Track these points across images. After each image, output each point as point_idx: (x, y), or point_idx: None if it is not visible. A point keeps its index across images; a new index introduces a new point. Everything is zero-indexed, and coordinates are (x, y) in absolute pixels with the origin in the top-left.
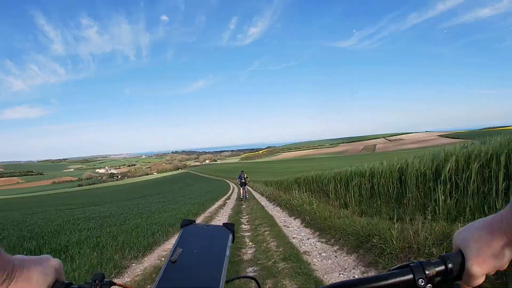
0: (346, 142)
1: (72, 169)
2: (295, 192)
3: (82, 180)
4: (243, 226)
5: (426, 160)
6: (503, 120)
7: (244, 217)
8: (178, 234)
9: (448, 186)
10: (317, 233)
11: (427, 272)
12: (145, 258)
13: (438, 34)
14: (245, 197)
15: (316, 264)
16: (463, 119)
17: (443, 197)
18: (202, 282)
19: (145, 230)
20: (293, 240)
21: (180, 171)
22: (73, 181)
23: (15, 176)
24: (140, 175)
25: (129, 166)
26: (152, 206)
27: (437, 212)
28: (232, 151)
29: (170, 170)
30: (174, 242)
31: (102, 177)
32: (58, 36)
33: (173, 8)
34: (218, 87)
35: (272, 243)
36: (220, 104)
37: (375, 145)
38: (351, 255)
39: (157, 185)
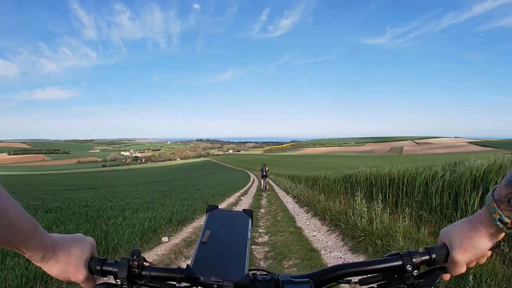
0: (372, 142)
1: (98, 150)
2: (355, 201)
3: (106, 161)
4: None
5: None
6: None
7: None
8: (205, 217)
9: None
10: None
11: (414, 260)
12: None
13: (474, 37)
14: (266, 187)
15: None
16: (495, 128)
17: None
18: (231, 261)
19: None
20: None
21: (202, 159)
22: (98, 161)
23: (41, 153)
24: (164, 160)
25: (153, 150)
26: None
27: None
28: (256, 142)
29: (193, 157)
30: (202, 224)
31: (126, 160)
32: (91, 21)
33: None
34: (246, 79)
35: None
36: (247, 96)
37: (402, 147)
38: None
39: (179, 171)
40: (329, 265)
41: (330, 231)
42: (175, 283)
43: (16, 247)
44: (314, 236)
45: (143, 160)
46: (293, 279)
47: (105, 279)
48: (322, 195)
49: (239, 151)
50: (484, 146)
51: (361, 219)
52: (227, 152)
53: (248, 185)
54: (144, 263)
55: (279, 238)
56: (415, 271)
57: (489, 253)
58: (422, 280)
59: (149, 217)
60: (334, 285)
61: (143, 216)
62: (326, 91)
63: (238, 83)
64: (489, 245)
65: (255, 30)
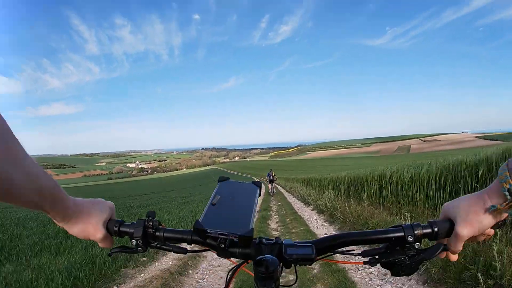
0: (379, 142)
1: (103, 163)
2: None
3: (112, 173)
4: None
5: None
6: None
7: None
8: (216, 186)
9: None
10: None
11: (415, 232)
12: None
13: (474, 32)
14: (273, 191)
15: None
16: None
17: None
18: (237, 221)
19: None
20: None
21: (208, 167)
22: (104, 174)
23: (48, 168)
24: (170, 170)
25: (159, 161)
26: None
27: None
28: (262, 148)
29: (199, 166)
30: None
31: (132, 172)
32: (93, 36)
33: (205, 8)
34: (248, 86)
35: None
36: (251, 103)
37: (410, 145)
38: None
39: (183, 181)
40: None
41: None
42: (186, 246)
43: (42, 208)
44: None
45: (149, 171)
46: (296, 243)
47: None
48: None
49: (245, 158)
50: (492, 140)
51: None
52: (233, 160)
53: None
54: (159, 225)
55: None
56: (417, 243)
57: (492, 232)
58: (422, 253)
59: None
60: (335, 253)
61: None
62: (330, 94)
63: (241, 90)
64: (493, 221)
65: (255, 38)
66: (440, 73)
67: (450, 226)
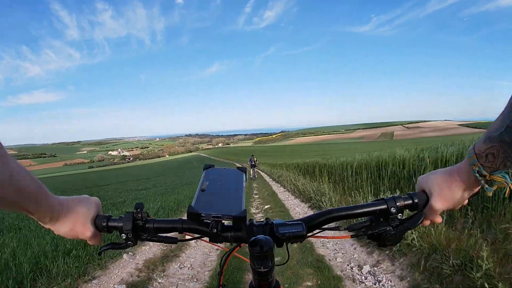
0: (362, 129)
1: (85, 152)
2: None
3: (93, 162)
4: None
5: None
6: None
7: None
8: (202, 174)
9: None
10: None
11: (397, 203)
12: None
13: (459, 22)
14: (254, 176)
15: None
16: (484, 109)
17: None
18: (228, 203)
19: None
20: None
21: (191, 153)
22: (85, 163)
23: (28, 158)
24: (152, 157)
25: (142, 148)
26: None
27: None
28: (245, 134)
29: (182, 153)
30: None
31: (114, 159)
32: (73, 21)
33: None
34: (233, 72)
35: None
36: (235, 89)
37: (393, 132)
38: None
39: (160, 169)
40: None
41: None
42: (177, 236)
43: (25, 209)
44: None
45: (131, 158)
46: (287, 222)
47: None
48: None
49: (228, 144)
50: (475, 127)
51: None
52: (216, 146)
53: None
54: (147, 217)
55: None
56: (399, 214)
57: (466, 202)
58: (405, 223)
59: None
60: (323, 229)
61: None
62: (314, 80)
63: (225, 76)
64: (466, 196)
65: (240, 23)
66: (424, 62)
67: (426, 198)
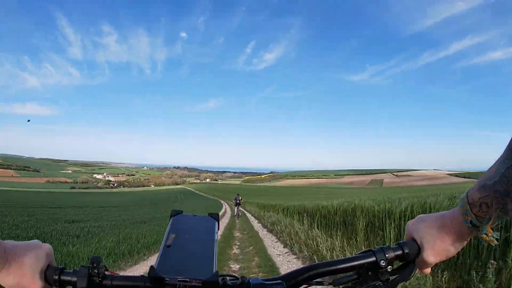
0: (352, 174)
1: (70, 171)
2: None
3: (76, 183)
4: None
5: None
6: None
7: None
8: (168, 223)
9: None
10: None
11: (387, 255)
12: None
13: (449, 75)
14: (238, 214)
15: None
16: (472, 160)
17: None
18: (198, 263)
19: None
20: None
21: (177, 186)
22: (68, 182)
23: (11, 169)
24: (137, 186)
25: (128, 175)
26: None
27: None
28: (234, 172)
29: (168, 185)
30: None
31: (98, 183)
32: (78, 40)
33: (193, 27)
34: (227, 109)
35: None
36: (228, 126)
37: (383, 179)
38: None
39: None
40: (301, 266)
41: None
42: None
43: None
44: None
45: (115, 184)
46: (265, 282)
47: None
48: None
49: (216, 180)
50: (465, 177)
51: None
52: (204, 181)
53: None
54: (105, 272)
55: None
56: (389, 266)
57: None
58: (396, 276)
59: None
60: (306, 287)
61: None
62: (306, 123)
63: (220, 113)
64: (459, 247)
65: (240, 62)
66: (415, 111)
67: (418, 247)
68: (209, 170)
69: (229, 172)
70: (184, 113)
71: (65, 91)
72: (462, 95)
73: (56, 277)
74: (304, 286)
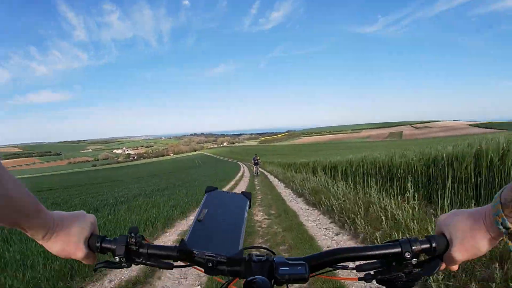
0: (369, 128)
1: (90, 150)
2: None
3: (98, 160)
4: None
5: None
6: None
7: None
8: (203, 198)
9: None
10: None
11: (413, 247)
12: None
13: (466, 22)
14: (257, 173)
15: None
16: (493, 110)
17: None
18: (226, 238)
19: None
20: None
21: (195, 152)
22: (89, 161)
23: (33, 156)
24: (156, 156)
25: (147, 147)
26: None
27: None
28: (251, 134)
29: (186, 152)
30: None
31: (118, 158)
32: (81, 23)
33: None
34: (238, 73)
35: None
36: (241, 89)
37: (401, 131)
38: None
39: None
40: (324, 249)
41: None
42: (171, 261)
43: (19, 225)
44: None
45: (135, 157)
46: (288, 261)
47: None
48: None
49: (233, 143)
50: (485, 128)
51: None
52: (221, 145)
53: (234, 180)
54: (142, 241)
55: None
56: (414, 259)
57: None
58: (420, 269)
59: None
60: (330, 270)
61: None
62: (320, 80)
63: (231, 77)
64: (489, 247)
65: (245, 24)
66: (432, 62)
67: (447, 243)
68: (226, 134)
69: (245, 134)
70: (195, 81)
71: (75, 74)
72: (481, 44)
73: (98, 244)
74: (327, 268)
